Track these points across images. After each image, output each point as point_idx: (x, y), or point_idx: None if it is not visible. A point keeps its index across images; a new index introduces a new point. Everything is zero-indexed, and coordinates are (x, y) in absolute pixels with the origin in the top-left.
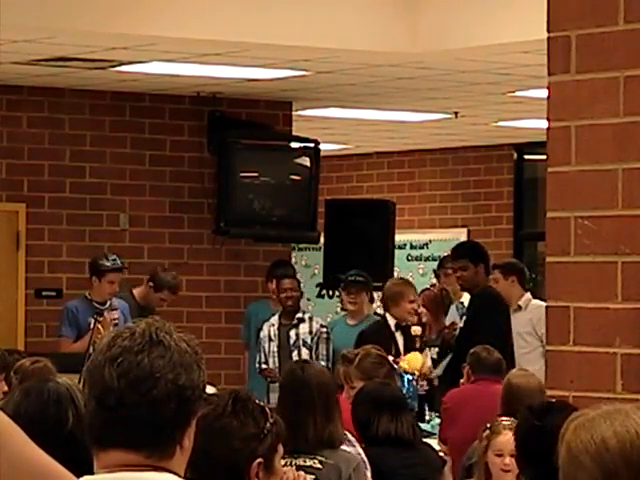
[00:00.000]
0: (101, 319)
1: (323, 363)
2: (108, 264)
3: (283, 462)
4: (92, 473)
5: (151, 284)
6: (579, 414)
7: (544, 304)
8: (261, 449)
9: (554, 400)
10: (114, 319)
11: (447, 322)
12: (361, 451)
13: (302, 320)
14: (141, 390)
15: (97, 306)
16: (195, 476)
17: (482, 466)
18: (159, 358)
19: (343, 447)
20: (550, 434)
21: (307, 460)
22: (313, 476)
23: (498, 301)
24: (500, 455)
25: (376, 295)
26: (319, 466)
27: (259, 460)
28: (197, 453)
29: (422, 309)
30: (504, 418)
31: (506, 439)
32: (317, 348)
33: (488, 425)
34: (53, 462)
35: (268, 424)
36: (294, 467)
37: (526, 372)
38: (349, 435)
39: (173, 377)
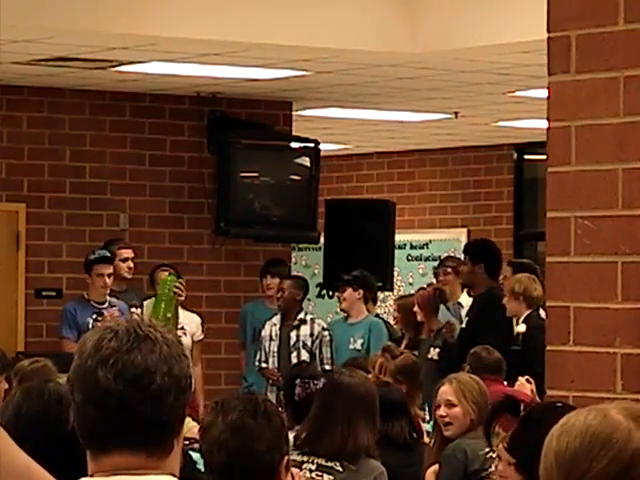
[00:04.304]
0: (101, 318)
1: (327, 367)
2: (92, 257)
3: (306, 458)
4: None
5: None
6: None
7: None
8: (286, 447)
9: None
10: (114, 317)
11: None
12: None
13: (303, 322)
14: (140, 388)
15: (95, 305)
16: (229, 475)
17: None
18: (150, 353)
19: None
20: None
21: (329, 461)
22: (332, 477)
23: (500, 302)
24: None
25: (382, 296)
26: (339, 469)
27: (287, 457)
28: (231, 455)
29: (417, 308)
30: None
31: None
32: (320, 352)
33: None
34: (34, 463)
35: (284, 424)
36: (315, 465)
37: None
38: None
39: (167, 369)
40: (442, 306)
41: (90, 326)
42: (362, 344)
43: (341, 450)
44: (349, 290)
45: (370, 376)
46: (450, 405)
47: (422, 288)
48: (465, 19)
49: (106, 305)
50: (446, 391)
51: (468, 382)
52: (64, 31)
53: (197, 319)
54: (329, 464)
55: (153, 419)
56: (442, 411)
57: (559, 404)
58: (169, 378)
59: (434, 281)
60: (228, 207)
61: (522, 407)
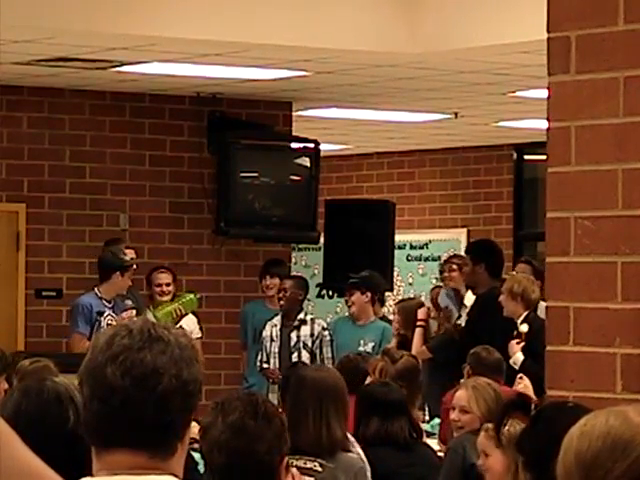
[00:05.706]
0: (106, 318)
1: (329, 367)
2: (128, 258)
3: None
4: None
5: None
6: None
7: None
8: (285, 448)
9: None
10: (131, 318)
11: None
12: (361, 451)
13: (304, 322)
14: (146, 387)
15: (106, 304)
16: (229, 476)
17: None
18: (161, 354)
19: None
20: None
21: (308, 462)
22: (312, 478)
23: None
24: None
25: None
26: (319, 469)
27: (287, 458)
28: (232, 455)
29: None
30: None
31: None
32: (321, 352)
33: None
34: (40, 462)
35: (284, 425)
36: (294, 468)
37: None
38: (349, 436)
39: (176, 372)
40: (443, 291)
41: (101, 324)
42: (373, 347)
43: (317, 444)
44: (357, 294)
45: (370, 379)
46: (464, 411)
47: (438, 286)
48: (465, 19)
49: (112, 304)
50: (461, 397)
51: (484, 388)
52: (64, 31)
53: (193, 317)
54: (308, 465)
55: (156, 420)
56: (455, 416)
57: (570, 404)
58: (177, 381)
59: (435, 280)
60: (228, 207)
61: (533, 406)
